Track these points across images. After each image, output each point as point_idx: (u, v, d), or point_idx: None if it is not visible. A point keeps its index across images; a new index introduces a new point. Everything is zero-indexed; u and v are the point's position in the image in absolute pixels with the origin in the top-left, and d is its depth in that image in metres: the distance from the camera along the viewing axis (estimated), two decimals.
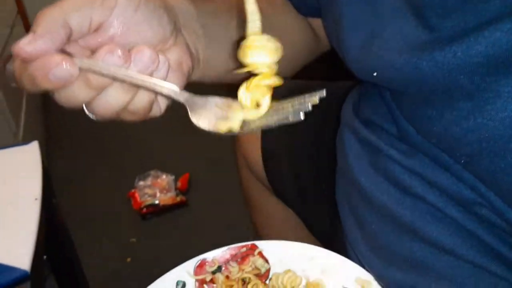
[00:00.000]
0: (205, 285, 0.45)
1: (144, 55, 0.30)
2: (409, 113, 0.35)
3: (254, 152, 0.70)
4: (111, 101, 0.31)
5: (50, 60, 0.28)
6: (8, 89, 1.42)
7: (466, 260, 0.33)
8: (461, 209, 0.33)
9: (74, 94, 0.30)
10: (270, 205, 0.75)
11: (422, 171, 0.35)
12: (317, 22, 0.51)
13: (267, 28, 0.48)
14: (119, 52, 0.29)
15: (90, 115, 0.33)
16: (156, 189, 1.47)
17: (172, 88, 0.32)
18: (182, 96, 0.33)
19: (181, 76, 0.34)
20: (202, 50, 0.39)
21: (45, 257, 0.96)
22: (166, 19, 0.33)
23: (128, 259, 1.27)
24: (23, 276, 0.53)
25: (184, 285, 0.45)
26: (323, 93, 0.32)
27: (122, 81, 0.30)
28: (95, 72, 0.29)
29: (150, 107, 0.33)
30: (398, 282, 0.37)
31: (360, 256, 0.42)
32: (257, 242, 0.47)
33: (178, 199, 1.45)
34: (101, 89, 0.30)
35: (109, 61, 0.29)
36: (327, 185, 0.59)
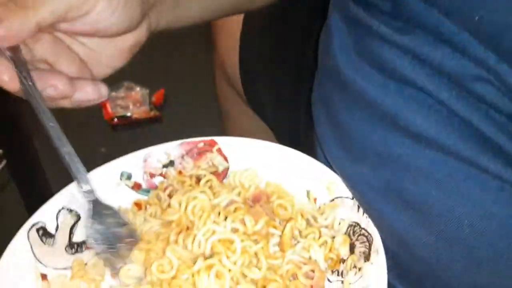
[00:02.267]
0: (153, 179, 0.40)
1: (87, 93, 0.33)
2: None
3: (231, 61, 0.66)
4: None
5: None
6: None
7: (451, 153, 0.29)
8: (457, 90, 0.28)
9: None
10: (245, 118, 0.74)
11: (414, 47, 0.29)
12: None
13: None
14: (61, 90, 0.32)
15: None
16: (129, 101, 1.42)
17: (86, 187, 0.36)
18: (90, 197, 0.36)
19: (126, 57, 0.37)
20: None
21: (4, 162, 0.91)
22: (138, 13, 0.33)
23: None
24: None
25: (129, 176, 0.40)
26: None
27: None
28: (28, 100, 0.31)
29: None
30: (369, 182, 0.33)
31: (329, 157, 0.38)
32: (216, 138, 0.42)
33: (152, 113, 1.40)
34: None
35: (49, 92, 0.32)
36: (304, 97, 0.54)
